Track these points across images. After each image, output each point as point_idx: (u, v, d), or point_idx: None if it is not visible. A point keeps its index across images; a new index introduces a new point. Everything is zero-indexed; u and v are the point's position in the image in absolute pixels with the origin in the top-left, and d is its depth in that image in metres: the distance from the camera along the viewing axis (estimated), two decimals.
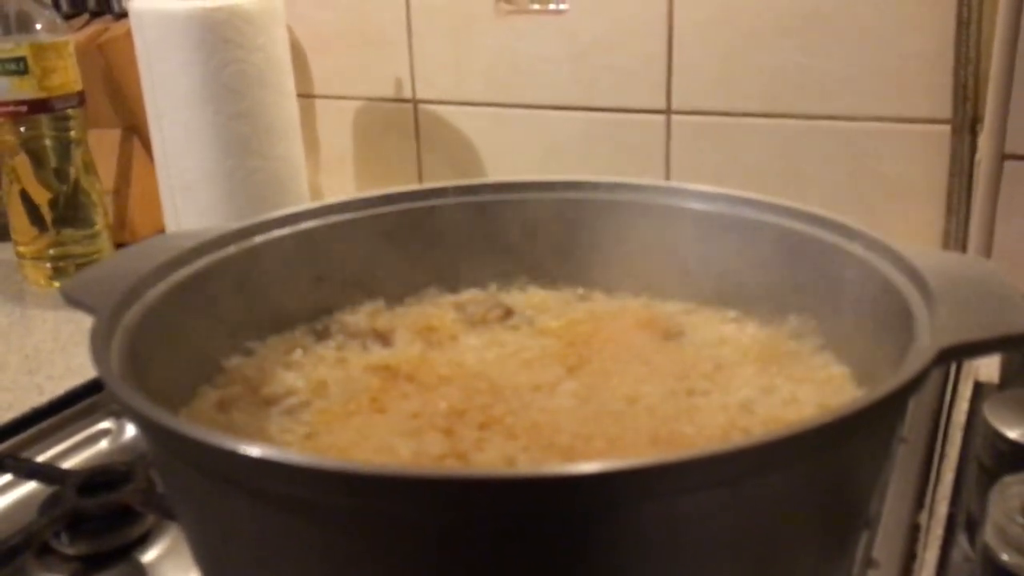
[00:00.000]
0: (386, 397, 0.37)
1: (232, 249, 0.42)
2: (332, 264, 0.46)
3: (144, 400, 0.26)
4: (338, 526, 0.25)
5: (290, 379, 0.39)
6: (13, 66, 0.74)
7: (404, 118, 0.88)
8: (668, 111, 0.76)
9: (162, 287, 0.37)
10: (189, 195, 0.75)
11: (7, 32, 0.74)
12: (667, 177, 0.78)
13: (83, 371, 0.64)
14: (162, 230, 0.88)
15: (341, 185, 0.93)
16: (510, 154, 0.84)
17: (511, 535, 0.24)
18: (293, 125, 0.78)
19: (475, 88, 0.83)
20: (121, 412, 0.58)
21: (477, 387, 0.38)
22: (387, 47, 0.86)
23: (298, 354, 0.42)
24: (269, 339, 0.43)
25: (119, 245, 0.85)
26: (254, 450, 0.24)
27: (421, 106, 0.87)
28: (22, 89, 0.74)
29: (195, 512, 0.29)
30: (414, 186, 0.49)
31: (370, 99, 0.89)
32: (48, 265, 0.79)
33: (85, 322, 0.72)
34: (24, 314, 0.75)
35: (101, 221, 0.81)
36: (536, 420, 0.35)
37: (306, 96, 0.90)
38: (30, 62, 0.74)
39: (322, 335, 0.44)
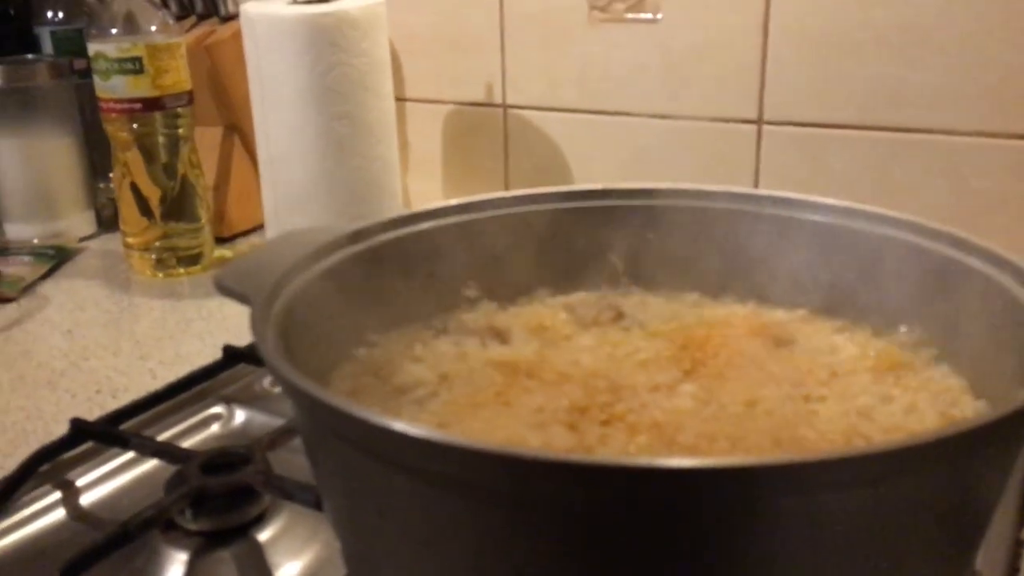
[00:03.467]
0: (510, 392, 0.39)
1: (360, 246, 0.44)
2: (448, 264, 0.48)
3: (313, 383, 0.28)
4: (495, 506, 0.26)
5: (417, 371, 0.41)
6: (130, 65, 0.77)
7: (493, 122, 0.90)
8: (759, 121, 0.77)
9: (302, 280, 0.39)
10: (290, 192, 0.78)
11: (124, 33, 0.78)
12: (756, 186, 0.79)
13: (191, 358, 0.67)
14: (258, 225, 0.92)
15: (429, 187, 0.95)
16: (598, 160, 0.85)
17: (663, 523, 0.25)
18: (390, 127, 0.80)
19: (565, 94, 0.85)
20: (233, 398, 0.61)
21: (596, 385, 0.39)
22: (479, 53, 0.88)
23: (419, 348, 0.44)
24: (389, 333, 0.45)
25: (218, 239, 0.89)
26: (421, 432, 0.26)
27: (511, 111, 0.88)
28: (137, 88, 0.78)
29: (349, 489, 0.31)
30: (522, 191, 0.50)
31: (460, 103, 0.91)
32: (153, 256, 0.83)
33: (188, 312, 0.76)
34: (131, 302, 0.79)
35: (205, 216, 0.84)
36: (657, 419, 0.36)
37: (398, 99, 0.93)
38: (145, 62, 0.78)
39: (440, 331, 0.46)
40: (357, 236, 0.44)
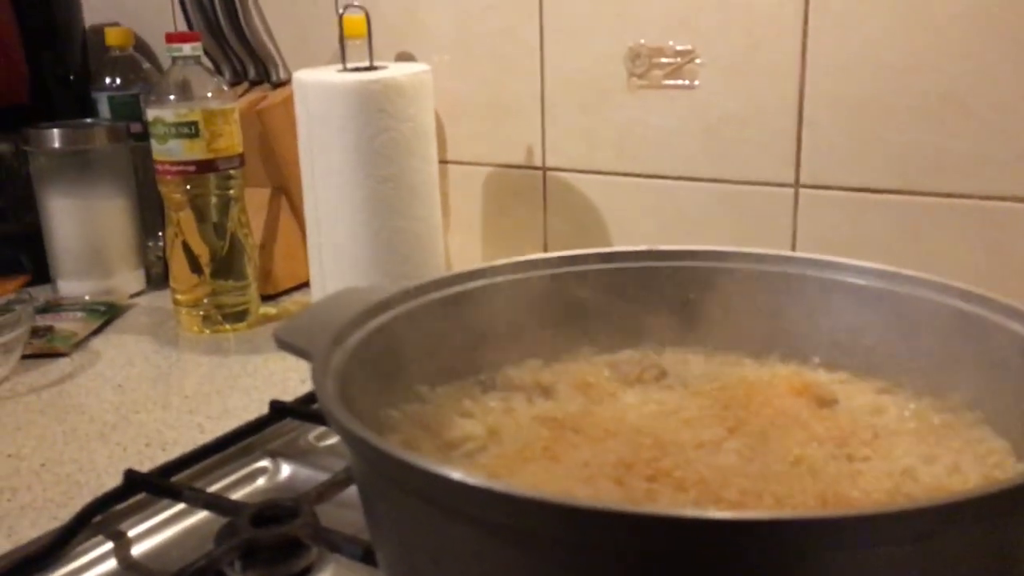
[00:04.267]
0: (557, 446, 0.39)
1: (412, 304, 0.45)
2: (494, 321, 0.49)
3: (373, 435, 0.30)
4: (548, 555, 0.27)
5: (466, 425, 0.42)
6: (186, 130, 0.81)
7: (533, 184, 0.92)
8: (796, 184, 0.78)
9: (357, 336, 0.41)
10: (336, 252, 0.80)
11: (180, 99, 0.82)
12: (793, 249, 0.79)
13: (238, 413, 0.69)
14: (302, 283, 0.94)
15: (469, 247, 0.97)
16: (636, 222, 0.87)
17: (716, 573, 0.26)
18: (433, 189, 0.83)
19: (604, 157, 0.87)
20: (279, 452, 0.62)
21: (642, 441, 0.40)
22: (520, 117, 0.90)
23: (468, 404, 0.45)
24: (438, 388, 0.46)
25: (263, 296, 0.91)
26: (480, 481, 0.27)
27: (550, 173, 0.90)
28: (192, 151, 0.81)
29: (405, 538, 0.32)
30: (567, 252, 0.52)
31: (501, 165, 0.93)
32: (200, 313, 0.85)
33: (235, 367, 0.78)
34: (180, 358, 0.81)
35: (252, 273, 0.87)
36: (703, 475, 0.37)
37: (440, 161, 0.95)
38: (201, 126, 0.81)
39: (487, 387, 0.47)
40: (408, 294, 0.46)
